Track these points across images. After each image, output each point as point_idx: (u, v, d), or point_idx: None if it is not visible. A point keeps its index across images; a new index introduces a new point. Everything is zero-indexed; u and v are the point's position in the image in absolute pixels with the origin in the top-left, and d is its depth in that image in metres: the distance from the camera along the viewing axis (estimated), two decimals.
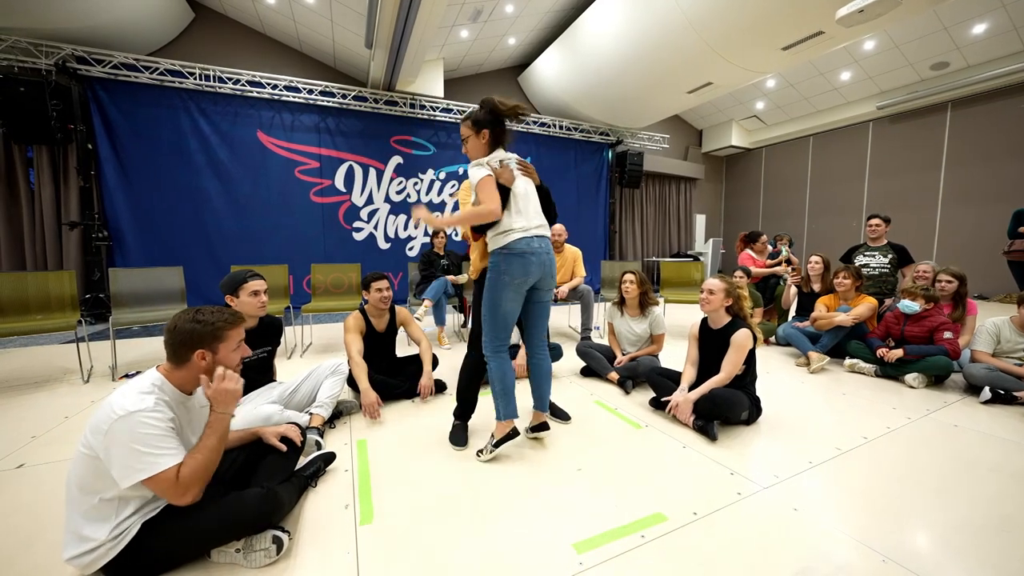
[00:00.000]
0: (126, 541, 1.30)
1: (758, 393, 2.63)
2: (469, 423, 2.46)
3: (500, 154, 2.09)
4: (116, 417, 1.26)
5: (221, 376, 1.46)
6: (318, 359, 3.87)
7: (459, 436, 2.36)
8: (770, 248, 5.29)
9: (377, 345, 3.03)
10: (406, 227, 7.92)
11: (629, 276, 3.39)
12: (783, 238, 6.19)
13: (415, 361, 3.15)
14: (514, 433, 2.15)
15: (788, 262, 5.24)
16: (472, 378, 2.40)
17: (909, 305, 3.34)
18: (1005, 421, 2.65)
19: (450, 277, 4.69)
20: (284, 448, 1.78)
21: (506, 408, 2.16)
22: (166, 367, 1.46)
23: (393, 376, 3.00)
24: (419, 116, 7.74)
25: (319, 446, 2.20)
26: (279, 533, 1.49)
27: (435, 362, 3.14)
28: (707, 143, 11.86)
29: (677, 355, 2.93)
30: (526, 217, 2.08)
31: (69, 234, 5.79)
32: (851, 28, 4.81)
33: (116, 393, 1.33)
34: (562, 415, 2.67)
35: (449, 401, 2.92)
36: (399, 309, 3.18)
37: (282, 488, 1.64)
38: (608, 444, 2.36)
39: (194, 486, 1.35)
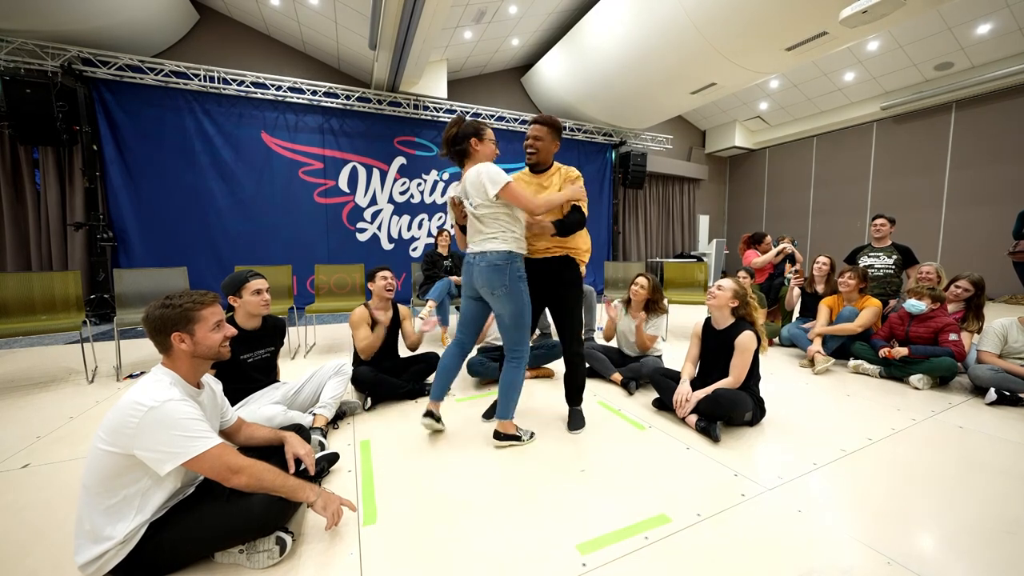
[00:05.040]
0: (136, 541, 1.31)
1: (762, 394, 2.62)
2: (582, 407, 2.65)
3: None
4: (147, 409, 1.28)
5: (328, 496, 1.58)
6: (321, 360, 3.89)
7: (578, 420, 2.59)
8: (774, 248, 5.28)
9: (382, 340, 3.04)
10: (410, 228, 7.93)
11: (641, 279, 3.35)
12: (785, 238, 6.17)
13: (418, 361, 3.16)
14: (427, 413, 2.37)
15: (792, 260, 5.23)
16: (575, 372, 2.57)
17: (916, 304, 3.31)
18: (1011, 423, 2.63)
19: (453, 278, 4.69)
20: (292, 469, 1.72)
21: (433, 389, 2.41)
22: (165, 361, 1.48)
23: (396, 376, 3.00)
24: (423, 117, 7.76)
25: (322, 447, 2.20)
26: (282, 534, 1.49)
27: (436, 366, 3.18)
28: (710, 144, 11.84)
29: (681, 357, 2.92)
30: (471, 233, 2.26)
31: (74, 235, 5.82)
32: (855, 28, 4.79)
33: (134, 390, 1.34)
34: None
35: (451, 402, 2.93)
36: (400, 307, 3.23)
37: None
38: (611, 445, 2.35)
39: (245, 474, 1.39)
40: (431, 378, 3.02)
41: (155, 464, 1.29)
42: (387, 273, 3.04)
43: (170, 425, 1.30)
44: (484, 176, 2.09)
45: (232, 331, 1.61)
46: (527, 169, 2.46)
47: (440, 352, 2.57)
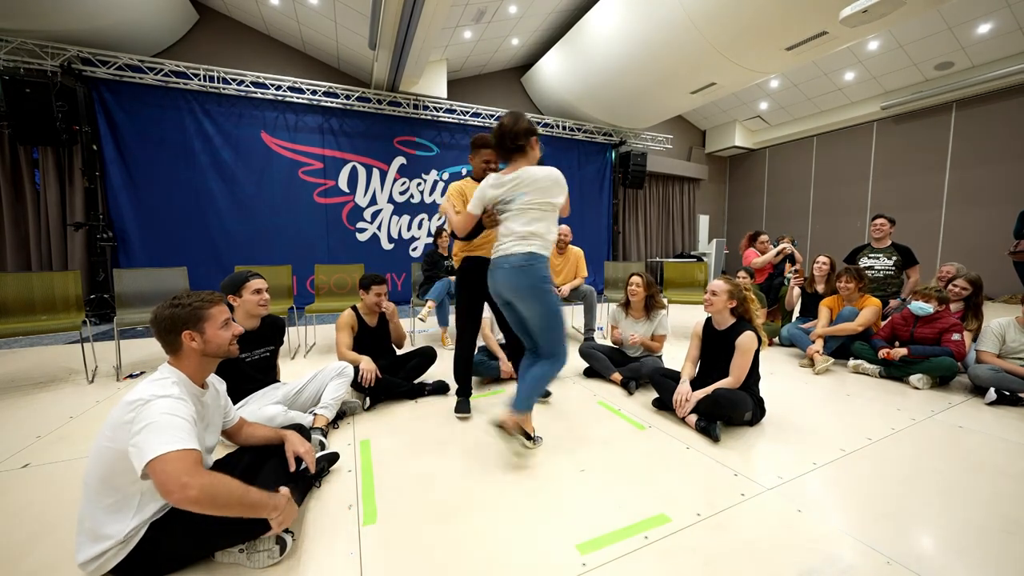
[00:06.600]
0: (136, 541, 1.31)
1: (762, 394, 2.62)
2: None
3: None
4: (142, 403, 1.29)
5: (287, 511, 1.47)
6: (321, 359, 3.89)
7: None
8: (772, 247, 5.28)
9: (373, 341, 3.09)
10: (409, 228, 7.93)
11: (636, 279, 3.37)
12: (785, 238, 6.17)
13: (414, 356, 3.20)
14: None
15: (792, 260, 5.23)
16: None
17: (922, 307, 3.30)
18: (1010, 422, 2.63)
19: (453, 278, 4.69)
20: (292, 467, 1.71)
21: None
22: (172, 360, 1.49)
23: (394, 373, 3.02)
24: (422, 117, 7.75)
25: (323, 446, 2.21)
26: (282, 534, 1.49)
27: (433, 359, 3.26)
28: (710, 143, 11.83)
29: (681, 356, 2.92)
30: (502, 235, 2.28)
31: (74, 235, 5.82)
32: (855, 28, 4.79)
33: (139, 386, 1.36)
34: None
35: (451, 402, 2.93)
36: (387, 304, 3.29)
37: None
38: (611, 445, 2.35)
39: (196, 488, 1.19)
40: (426, 375, 3.12)
41: (135, 464, 1.22)
42: (382, 290, 3.08)
43: (151, 421, 1.25)
44: (558, 184, 2.09)
45: (240, 329, 1.62)
46: (470, 180, 2.71)
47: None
